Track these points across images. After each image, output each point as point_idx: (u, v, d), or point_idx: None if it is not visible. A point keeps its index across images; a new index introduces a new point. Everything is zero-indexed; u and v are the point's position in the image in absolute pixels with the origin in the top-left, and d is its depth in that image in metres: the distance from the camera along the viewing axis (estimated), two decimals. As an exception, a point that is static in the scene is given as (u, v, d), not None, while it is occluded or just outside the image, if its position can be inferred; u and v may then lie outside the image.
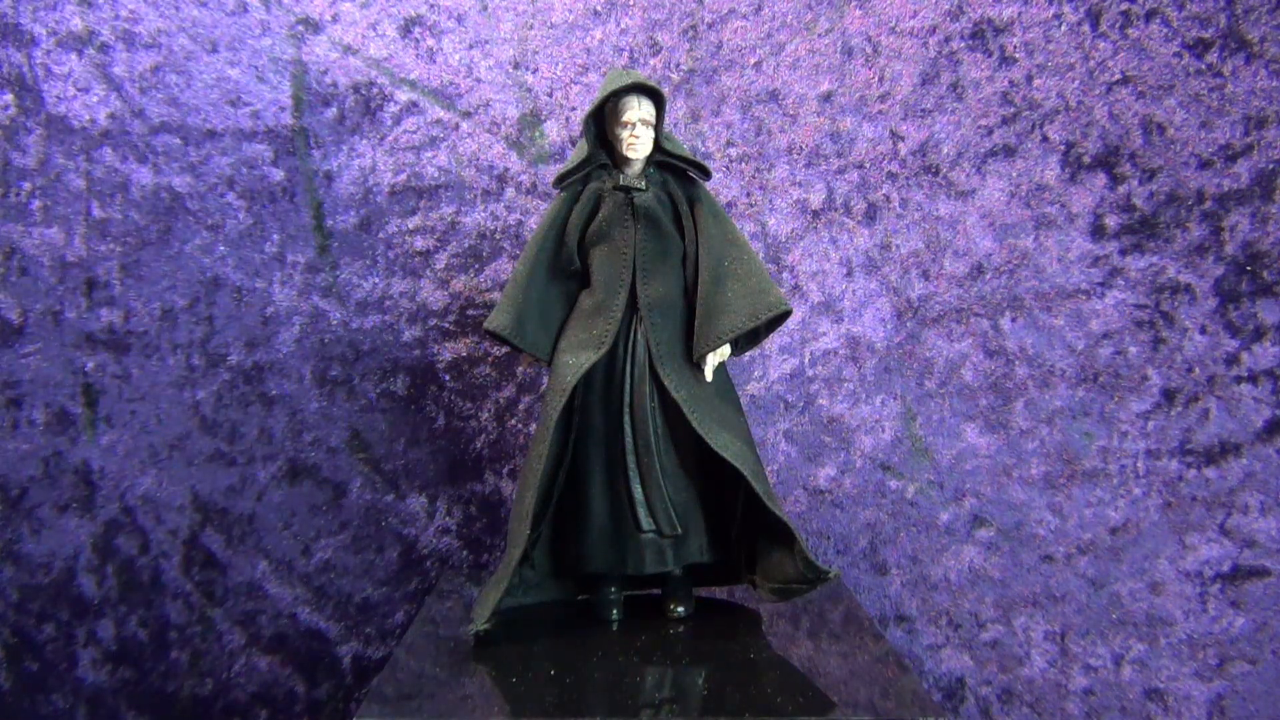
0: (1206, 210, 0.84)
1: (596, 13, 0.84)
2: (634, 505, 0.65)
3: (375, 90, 0.84)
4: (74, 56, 0.83)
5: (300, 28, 0.84)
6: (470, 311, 0.85)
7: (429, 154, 0.84)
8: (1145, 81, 0.84)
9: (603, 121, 0.65)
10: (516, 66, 0.85)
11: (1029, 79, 0.84)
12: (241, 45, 0.83)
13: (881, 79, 0.85)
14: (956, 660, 0.86)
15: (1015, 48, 0.84)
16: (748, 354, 0.78)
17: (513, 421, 0.86)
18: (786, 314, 0.65)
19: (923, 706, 0.52)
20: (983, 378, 0.86)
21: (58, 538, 0.84)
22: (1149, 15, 0.84)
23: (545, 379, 0.76)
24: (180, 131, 0.83)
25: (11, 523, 0.84)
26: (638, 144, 0.64)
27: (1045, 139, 0.85)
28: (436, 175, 0.84)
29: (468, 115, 0.84)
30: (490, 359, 0.85)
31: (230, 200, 0.84)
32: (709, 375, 0.66)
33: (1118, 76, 0.84)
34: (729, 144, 0.85)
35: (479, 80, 0.85)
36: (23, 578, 0.84)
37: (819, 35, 0.85)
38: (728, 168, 0.85)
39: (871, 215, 0.85)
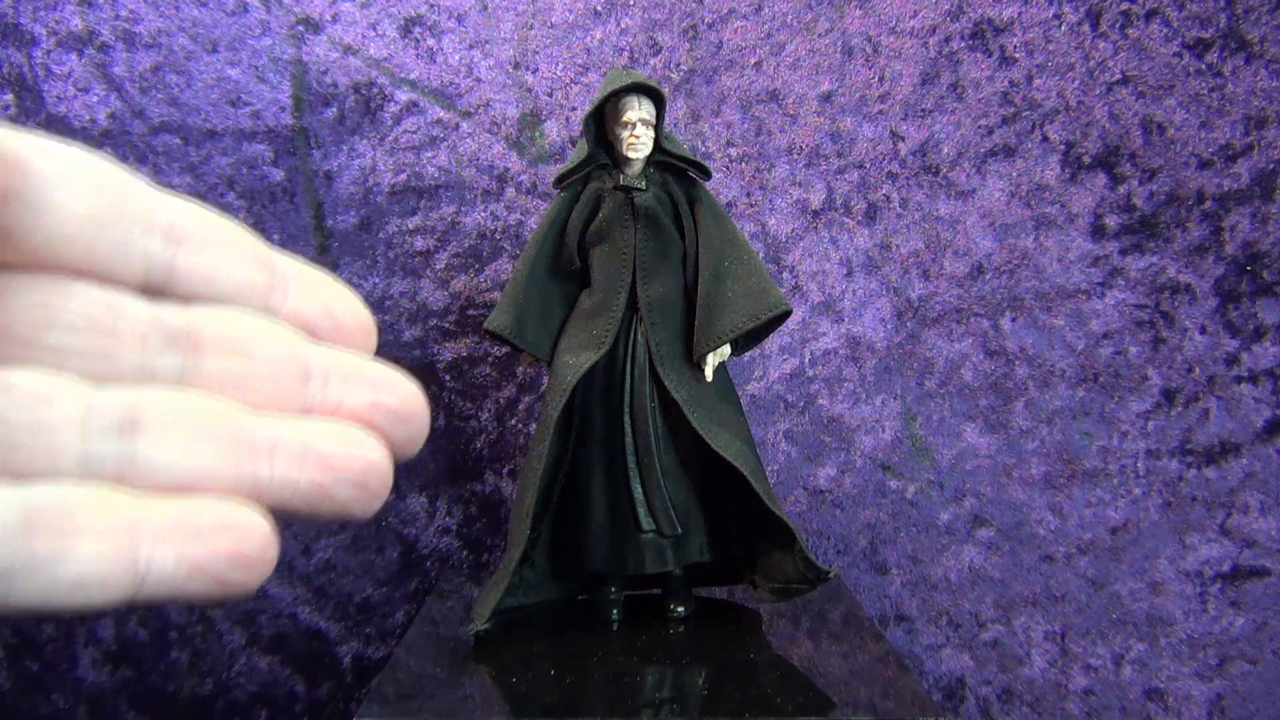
0: (1206, 210, 0.84)
1: (596, 13, 0.84)
2: (634, 505, 0.65)
3: (375, 90, 0.84)
4: (74, 56, 0.83)
5: (300, 28, 0.84)
6: (470, 311, 0.85)
7: (429, 154, 0.84)
8: (1145, 81, 0.84)
9: (603, 121, 0.65)
10: (516, 66, 0.85)
11: (1029, 79, 0.84)
12: (241, 45, 0.83)
13: (881, 79, 0.85)
14: (956, 660, 0.86)
15: (1015, 48, 0.84)
16: (748, 354, 0.78)
17: (513, 421, 0.86)
18: (787, 314, 0.65)
19: (923, 706, 0.52)
20: (983, 378, 0.86)
21: (58, 538, 0.84)
22: (1149, 15, 0.84)
23: (545, 379, 0.76)
24: (180, 131, 0.83)
25: (11, 523, 0.84)
26: (638, 144, 0.64)
27: (1045, 139, 0.85)
28: (436, 175, 0.84)
29: (468, 115, 0.84)
30: (490, 359, 0.85)
31: (230, 200, 0.84)
32: (709, 375, 0.66)
33: (1118, 76, 0.84)
34: (729, 144, 0.85)
35: (479, 80, 0.84)
36: (23, 578, 0.84)
37: (819, 35, 0.85)
38: (728, 168, 0.85)
39: (871, 215, 0.85)
